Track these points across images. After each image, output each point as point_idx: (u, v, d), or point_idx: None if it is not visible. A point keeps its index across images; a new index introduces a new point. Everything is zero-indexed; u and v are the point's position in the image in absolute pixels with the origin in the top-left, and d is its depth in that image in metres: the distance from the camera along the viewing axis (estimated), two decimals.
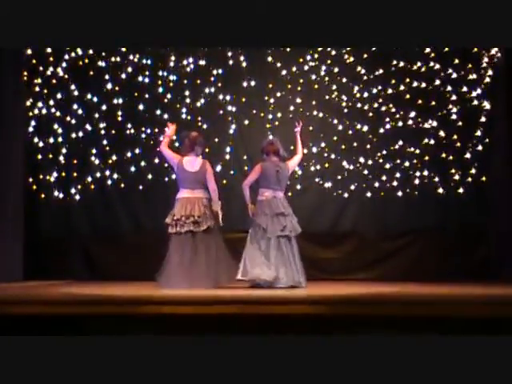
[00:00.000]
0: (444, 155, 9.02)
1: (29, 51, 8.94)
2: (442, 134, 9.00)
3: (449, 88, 8.97)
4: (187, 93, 9.17)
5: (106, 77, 9.11)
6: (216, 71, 9.17)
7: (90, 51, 9.06)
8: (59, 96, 9.11)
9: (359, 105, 9.13)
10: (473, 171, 8.93)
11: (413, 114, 9.02)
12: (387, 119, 9.09)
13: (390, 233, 9.10)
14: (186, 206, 6.93)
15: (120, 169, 9.15)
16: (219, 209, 7.01)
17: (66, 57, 9.07)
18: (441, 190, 8.99)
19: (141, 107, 9.13)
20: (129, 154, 9.13)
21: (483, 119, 8.94)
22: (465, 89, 8.96)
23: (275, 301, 5.20)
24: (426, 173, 9.02)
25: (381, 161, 9.09)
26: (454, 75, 8.96)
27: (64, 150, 9.14)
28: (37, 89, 9.07)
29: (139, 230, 9.12)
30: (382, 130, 9.10)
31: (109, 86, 9.11)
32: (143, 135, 9.14)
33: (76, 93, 9.14)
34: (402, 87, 9.06)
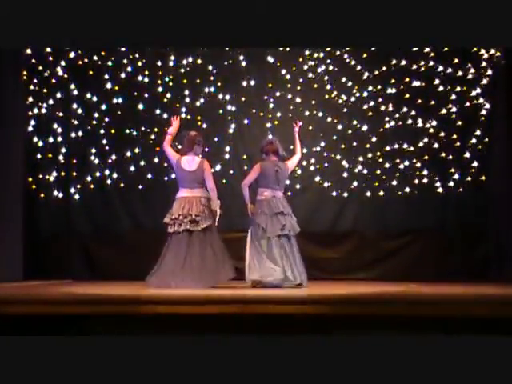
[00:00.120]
0: (444, 155, 9.02)
1: (28, 51, 8.92)
2: (441, 133, 9.00)
3: (448, 87, 8.97)
4: (187, 92, 9.17)
5: (106, 76, 9.11)
6: (215, 70, 9.17)
7: (90, 51, 9.05)
8: (59, 95, 9.09)
9: (359, 104, 9.13)
10: (472, 171, 8.93)
11: (412, 114, 9.02)
12: (387, 118, 9.09)
13: (390, 232, 9.10)
14: (183, 205, 6.93)
15: (119, 168, 9.15)
16: (218, 208, 7.01)
17: (66, 56, 9.06)
18: (440, 190, 9.00)
19: (140, 107, 9.13)
20: (128, 154, 9.13)
21: (483, 119, 8.94)
22: (464, 88, 8.96)
23: (275, 301, 5.18)
24: (425, 172, 9.02)
25: (380, 160, 9.09)
26: (454, 75, 8.96)
27: (63, 150, 9.13)
28: (36, 88, 9.06)
29: (139, 229, 9.12)
30: (381, 130, 9.11)
31: (108, 85, 9.11)
32: (143, 135, 9.14)
33: (75, 92, 9.13)
34: (401, 86, 9.06)
